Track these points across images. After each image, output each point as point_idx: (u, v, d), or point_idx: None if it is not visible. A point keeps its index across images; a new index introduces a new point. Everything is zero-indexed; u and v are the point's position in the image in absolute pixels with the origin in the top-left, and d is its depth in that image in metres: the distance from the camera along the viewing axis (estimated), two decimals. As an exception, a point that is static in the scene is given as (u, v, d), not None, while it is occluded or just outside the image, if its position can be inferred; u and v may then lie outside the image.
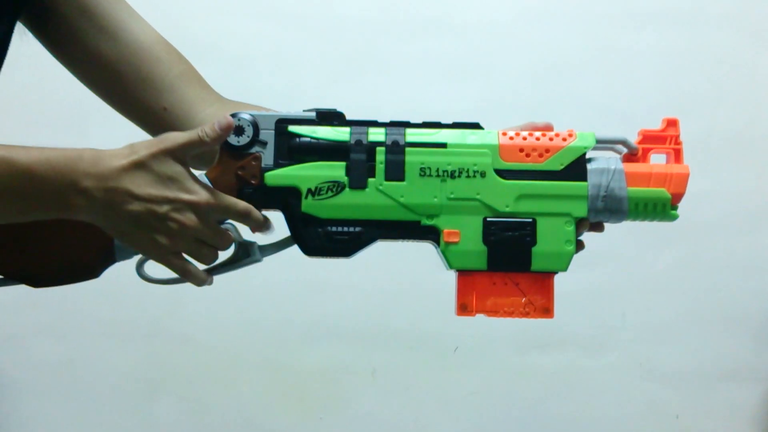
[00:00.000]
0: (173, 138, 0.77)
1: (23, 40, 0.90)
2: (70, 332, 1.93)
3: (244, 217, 0.80)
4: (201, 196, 0.77)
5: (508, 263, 0.82)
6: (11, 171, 0.72)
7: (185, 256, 0.80)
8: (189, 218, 0.76)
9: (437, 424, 1.94)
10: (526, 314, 0.83)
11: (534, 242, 0.82)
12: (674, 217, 0.84)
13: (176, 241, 0.77)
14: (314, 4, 1.94)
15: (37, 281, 0.85)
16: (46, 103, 1.90)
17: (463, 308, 0.83)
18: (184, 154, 0.78)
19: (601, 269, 1.89)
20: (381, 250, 1.63)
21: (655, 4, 1.94)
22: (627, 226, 1.86)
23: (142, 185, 0.75)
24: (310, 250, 0.84)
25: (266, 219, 0.83)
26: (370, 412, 1.94)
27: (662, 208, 0.83)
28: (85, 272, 0.85)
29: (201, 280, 0.82)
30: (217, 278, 2.22)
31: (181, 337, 1.94)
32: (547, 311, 0.84)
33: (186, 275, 0.81)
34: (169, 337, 1.94)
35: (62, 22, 0.89)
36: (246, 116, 0.82)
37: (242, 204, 0.80)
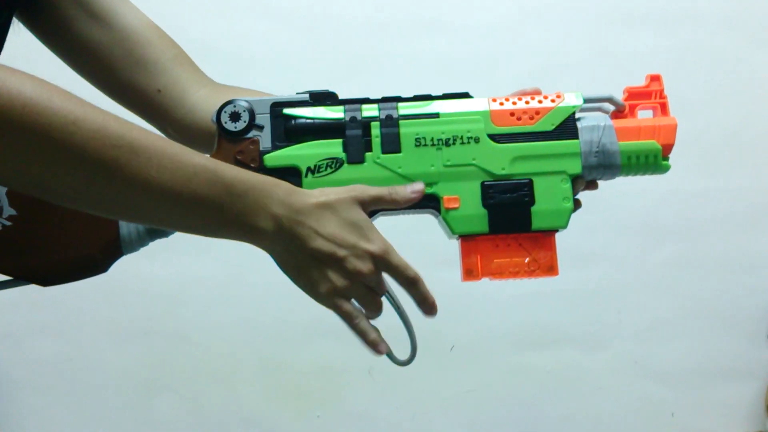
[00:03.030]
0: (363, 189, 0.79)
1: (16, 31, 0.90)
2: (69, 330, 1.94)
3: (410, 285, 0.81)
4: (380, 247, 0.78)
5: (509, 224, 0.83)
6: (215, 182, 0.72)
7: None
8: (365, 266, 0.77)
9: (433, 422, 1.95)
10: (531, 273, 0.84)
11: (532, 202, 0.83)
12: (666, 168, 0.85)
13: (348, 285, 0.78)
14: (311, 4, 1.94)
15: (45, 280, 0.85)
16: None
17: (469, 273, 0.84)
18: (370, 205, 0.80)
19: (597, 267, 1.90)
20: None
21: (651, 5, 1.95)
22: (622, 224, 1.88)
23: (328, 225, 0.76)
24: None
25: (434, 303, 0.83)
26: (366, 410, 1.95)
27: (654, 160, 0.84)
28: (92, 267, 0.85)
29: (372, 339, 0.81)
30: (214, 277, 2.20)
31: (179, 336, 1.94)
32: (551, 269, 0.84)
33: (351, 320, 0.80)
34: (168, 336, 1.94)
35: (53, 9, 0.90)
36: (242, 102, 0.83)
37: (413, 270, 0.80)
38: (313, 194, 0.77)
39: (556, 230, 0.84)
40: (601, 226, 1.86)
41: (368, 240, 0.78)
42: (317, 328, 1.93)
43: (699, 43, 1.93)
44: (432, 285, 1.82)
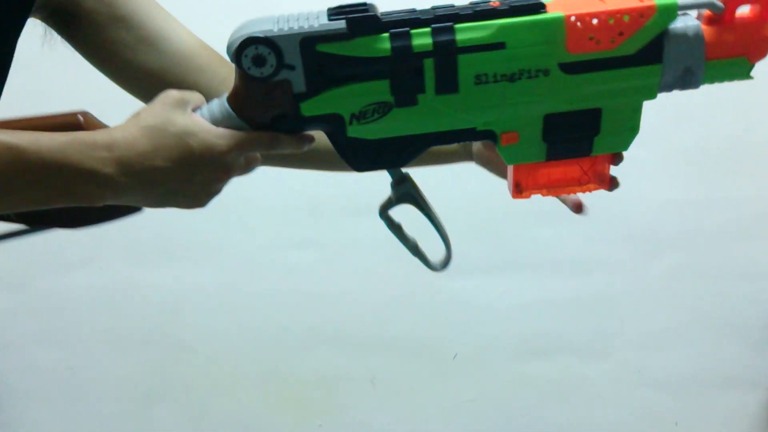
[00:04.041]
0: (172, 94, 0.73)
1: (47, 43, 0.89)
2: (69, 339, 1.93)
3: (275, 147, 0.74)
4: (222, 144, 0.71)
5: (568, 153, 0.75)
6: (21, 161, 0.66)
7: None
8: (220, 169, 0.72)
9: (436, 432, 1.94)
10: (583, 186, 0.77)
11: (597, 132, 0.73)
12: (748, 78, 0.73)
13: (214, 191, 0.74)
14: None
15: (73, 222, 0.80)
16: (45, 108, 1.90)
17: (518, 188, 0.77)
18: (189, 104, 0.73)
19: (598, 276, 1.89)
20: (380, 257, 1.62)
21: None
22: (624, 233, 1.87)
23: (163, 153, 0.70)
24: (360, 167, 0.75)
25: (301, 136, 0.74)
26: (368, 420, 1.94)
27: (739, 74, 0.72)
28: (128, 206, 0.79)
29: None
30: (213, 285, 2.19)
31: (179, 344, 1.93)
32: (603, 181, 0.77)
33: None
34: (167, 344, 1.93)
35: (100, 32, 0.87)
36: (263, 39, 0.69)
37: (265, 135, 0.73)
38: (131, 126, 0.70)
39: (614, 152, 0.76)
40: (603, 234, 1.86)
41: (208, 145, 0.70)
42: (318, 336, 1.92)
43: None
44: (433, 294, 1.81)
